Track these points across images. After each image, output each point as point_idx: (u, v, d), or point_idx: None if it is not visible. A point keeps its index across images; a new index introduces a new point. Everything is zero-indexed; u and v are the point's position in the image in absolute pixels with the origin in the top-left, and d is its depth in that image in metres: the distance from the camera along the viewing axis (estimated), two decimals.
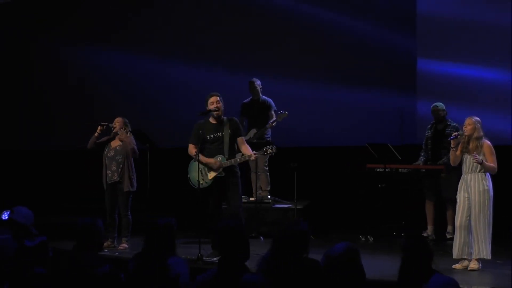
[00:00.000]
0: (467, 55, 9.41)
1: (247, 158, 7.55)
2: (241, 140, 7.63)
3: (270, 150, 7.55)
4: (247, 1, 11.13)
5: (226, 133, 7.52)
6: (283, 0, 10.71)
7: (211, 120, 7.60)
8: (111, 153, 8.36)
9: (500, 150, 7.26)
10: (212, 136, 7.55)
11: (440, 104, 8.89)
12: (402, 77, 9.96)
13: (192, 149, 7.53)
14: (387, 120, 9.90)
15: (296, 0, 10.60)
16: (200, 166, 7.43)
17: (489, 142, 6.97)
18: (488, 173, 6.96)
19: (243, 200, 8.50)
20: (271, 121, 9.43)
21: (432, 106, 8.90)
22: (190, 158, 7.61)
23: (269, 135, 9.50)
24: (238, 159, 7.54)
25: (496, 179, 7.06)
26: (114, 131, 8.44)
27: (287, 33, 10.72)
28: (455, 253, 7.00)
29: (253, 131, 9.48)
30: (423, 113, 9.43)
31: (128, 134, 8.40)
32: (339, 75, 10.39)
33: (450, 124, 8.81)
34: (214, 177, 7.49)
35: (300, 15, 10.58)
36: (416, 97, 9.79)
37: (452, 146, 7.12)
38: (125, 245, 8.28)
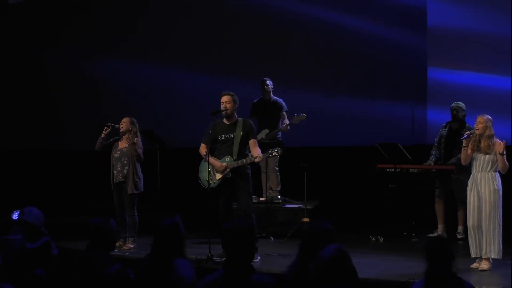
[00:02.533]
0: (474, 64, 9.68)
1: (253, 159, 7.43)
2: (252, 142, 7.48)
3: (275, 153, 7.49)
4: (258, 8, 11.15)
5: (238, 134, 7.45)
6: (296, 8, 10.80)
7: (224, 120, 7.55)
8: (117, 154, 8.37)
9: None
10: (223, 136, 7.51)
11: (463, 104, 8.76)
12: (413, 84, 10.16)
13: (202, 149, 7.53)
14: (398, 126, 10.07)
15: (309, 9, 10.70)
16: (210, 166, 7.44)
17: (500, 141, 6.90)
18: (497, 173, 6.92)
19: (253, 200, 8.49)
20: (286, 123, 9.40)
21: (454, 104, 8.77)
22: (199, 158, 7.63)
23: (279, 135, 9.49)
24: (244, 160, 7.45)
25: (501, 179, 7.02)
26: (120, 131, 8.45)
27: (302, 40, 10.84)
28: (473, 253, 6.97)
29: (264, 132, 9.46)
30: (433, 119, 9.60)
31: (137, 136, 8.35)
32: (352, 83, 10.54)
33: (466, 125, 8.61)
34: (222, 178, 7.48)
35: (316, 23, 10.68)
36: (426, 104, 9.94)
37: (464, 145, 7.05)
38: (129, 245, 8.28)
